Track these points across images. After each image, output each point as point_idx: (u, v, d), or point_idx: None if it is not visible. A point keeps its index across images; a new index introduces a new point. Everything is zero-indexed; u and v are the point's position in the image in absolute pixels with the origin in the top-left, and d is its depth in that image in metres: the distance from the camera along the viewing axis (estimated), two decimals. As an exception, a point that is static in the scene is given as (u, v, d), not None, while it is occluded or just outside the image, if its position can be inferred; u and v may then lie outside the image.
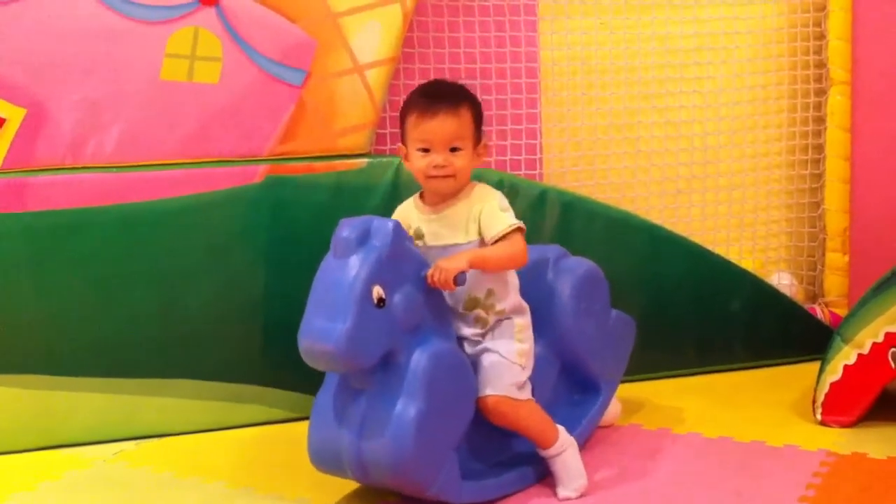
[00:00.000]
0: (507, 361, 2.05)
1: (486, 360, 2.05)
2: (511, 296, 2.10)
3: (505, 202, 2.08)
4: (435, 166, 2.03)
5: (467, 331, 2.08)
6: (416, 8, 2.60)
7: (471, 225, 2.05)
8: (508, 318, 2.08)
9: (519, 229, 2.04)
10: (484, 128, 2.71)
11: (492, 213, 2.04)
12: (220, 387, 2.50)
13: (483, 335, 2.07)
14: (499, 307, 2.07)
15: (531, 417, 2.07)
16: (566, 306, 2.24)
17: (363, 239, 1.91)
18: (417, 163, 2.06)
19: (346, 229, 1.92)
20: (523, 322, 2.10)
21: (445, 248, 2.04)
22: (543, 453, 2.08)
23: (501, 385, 2.03)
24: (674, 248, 2.76)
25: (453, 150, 2.04)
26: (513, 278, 2.11)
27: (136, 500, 2.14)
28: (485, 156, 2.13)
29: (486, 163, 2.71)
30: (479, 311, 2.07)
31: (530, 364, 2.09)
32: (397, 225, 1.95)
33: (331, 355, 1.87)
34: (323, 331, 1.86)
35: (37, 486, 2.20)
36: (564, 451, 2.08)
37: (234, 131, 2.45)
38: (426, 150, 2.04)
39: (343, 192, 2.50)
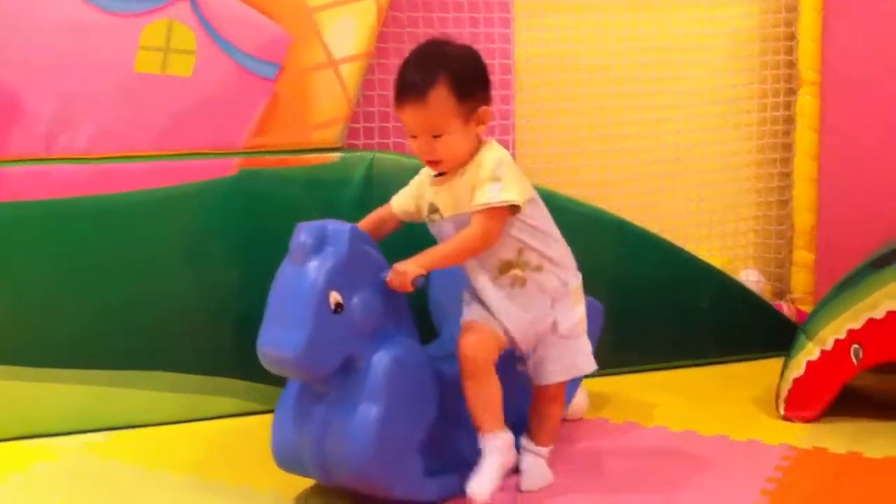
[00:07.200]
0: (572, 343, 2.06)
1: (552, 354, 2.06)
2: (550, 245, 2.01)
3: (500, 170, 1.92)
4: (421, 152, 1.98)
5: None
6: (391, 3, 2.62)
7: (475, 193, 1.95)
8: (565, 287, 2.04)
9: (496, 208, 1.91)
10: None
11: (481, 184, 1.93)
12: (191, 378, 2.51)
13: (525, 359, 2.06)
14: (535, 262, 2.00)
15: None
16: None
17: (319, 244, 1.89)
18: (411, 145, 2.00)
19: (303, 234, 1.89)
20: (576, 284, 2.07)
21: (458, 217, 1.97)
22: (527, 443, 2.09)
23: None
24: (643, 244, 2.78)
25: (436, 136, 1.94)
26: (550, 227, 2.03)
27: (106, 493, 2.14)
28: (487, 120, 1.97)
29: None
30: (516, 272, 1.99)
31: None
32: (354, 229, 1.93)
33: (289, 364, 1.86)
34: (281, 339, 1.85)
35: (5, 479, 2.20)
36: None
37: (208, 124, 2.46)
38: (414, 136, 1.97)
39: (316, 186, 2.52)
